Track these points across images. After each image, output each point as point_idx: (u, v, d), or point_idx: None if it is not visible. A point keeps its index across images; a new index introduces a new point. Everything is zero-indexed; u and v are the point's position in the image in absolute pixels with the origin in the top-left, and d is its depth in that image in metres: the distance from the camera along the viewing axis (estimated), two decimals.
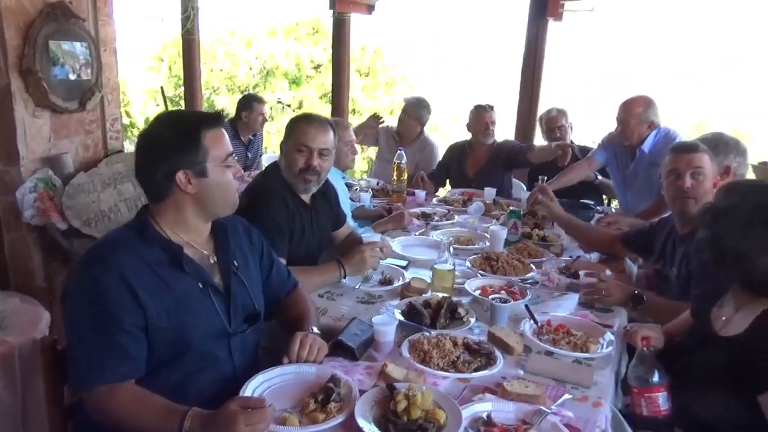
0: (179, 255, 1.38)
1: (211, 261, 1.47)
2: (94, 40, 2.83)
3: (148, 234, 1.38)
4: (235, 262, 1.51)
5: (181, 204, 1.41)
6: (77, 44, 2.71)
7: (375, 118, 4.12)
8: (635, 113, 3.03)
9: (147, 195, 1.44)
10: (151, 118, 1.57)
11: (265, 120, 4.42)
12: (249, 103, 4.33)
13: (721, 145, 2.38)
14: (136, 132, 7.17)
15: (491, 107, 3.78)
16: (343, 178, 3.03)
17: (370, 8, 5.11)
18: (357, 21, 5.23)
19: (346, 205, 2.72)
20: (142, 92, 9.38)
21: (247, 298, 1.51)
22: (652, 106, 3.05)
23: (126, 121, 8.18)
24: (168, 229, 1.41)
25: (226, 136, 1.45)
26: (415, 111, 4.05)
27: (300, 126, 2.12)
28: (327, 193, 2.34)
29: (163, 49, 9.50)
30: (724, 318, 1.44)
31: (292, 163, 2.11)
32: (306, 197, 2.21)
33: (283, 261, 1.91)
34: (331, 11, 4.90)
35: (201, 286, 1.40)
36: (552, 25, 4.31)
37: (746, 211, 1.30)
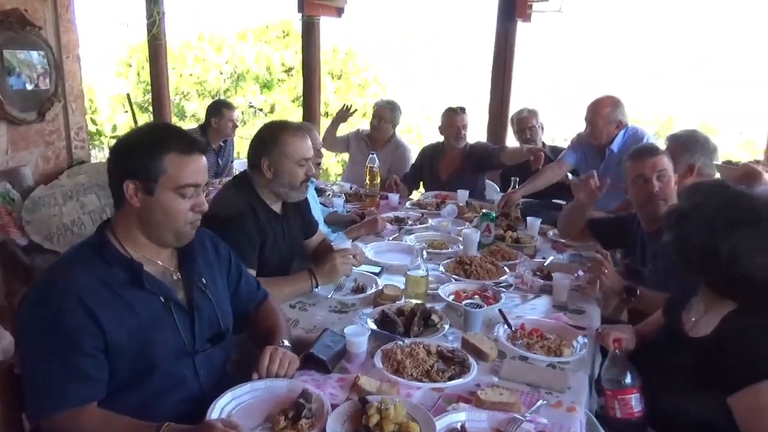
0: (139, 273, 1.33)
1: (175, 277, 1.43)
2: (53, 49, 2.75)
3: (108, 252, 1.34)
4: (203, 279, 1.47)
5: (129, 216, 1.36)
6: (34, 53, 2.63)
7: (345, 111, 4.09)
8: (603, 114, 3.06)
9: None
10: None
11: (235, 126, 4.35)
12: (218, 109, 4.26)
13: (690, 143, 2.42)
14: (103, 140, 6.96)
15: (463, 110, 3.76)
16: (312, 182, 2.99)
17: (340, 11, 5.07)
18: (328, 24, 5.20)
19: (317, 212, 2.68)
20: (111, 98, 9.16)
21: (214, 316, 1.47)
22: (619, 105, 3.08)
23: (93, 128, 7.97)
24: (127, 244, 1.37)
25: (197, 167, 1.36)
26: (390, 114, 4.04)
27: (290, 139, 2.05)
28: (298, 201, 2.30)
29: (131, 54, 9.30)
30: (693, 319, 1.45)
31: (292, 177, 2.08)
32: (277, 207, 2.16)
33: (253, 273, 1.87)
34: (300, 14, 4.85)
35: (162, 301, 1.36)
36: (521, 26, 4.33)
37: (709, 212, 1.31)
